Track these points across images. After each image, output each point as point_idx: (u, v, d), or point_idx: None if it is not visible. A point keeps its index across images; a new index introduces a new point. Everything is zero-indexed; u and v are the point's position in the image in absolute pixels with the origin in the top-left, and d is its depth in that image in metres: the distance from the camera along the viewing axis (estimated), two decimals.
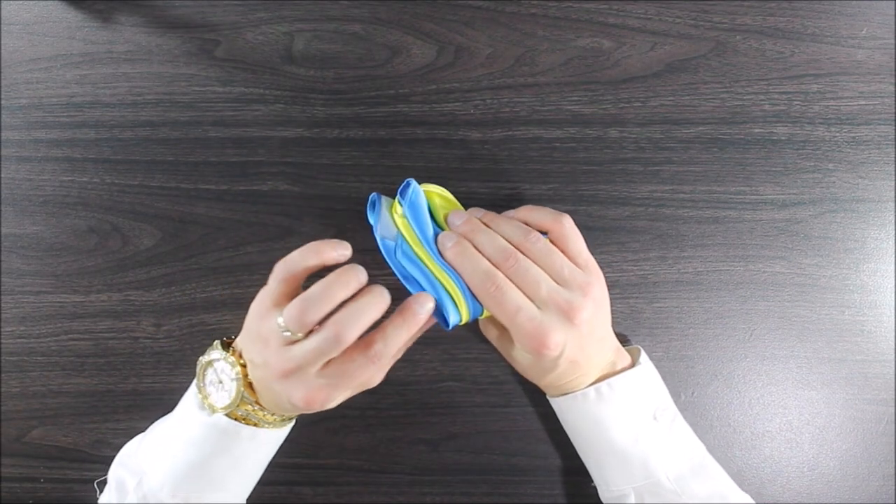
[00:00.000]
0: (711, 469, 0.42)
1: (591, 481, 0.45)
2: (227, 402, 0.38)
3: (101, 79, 0.49)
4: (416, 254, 0.40)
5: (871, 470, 0.49)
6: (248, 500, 0.44)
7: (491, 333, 0.44)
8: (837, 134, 0.49)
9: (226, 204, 0.49)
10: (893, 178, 0.49)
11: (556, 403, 0.44)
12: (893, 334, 0.49)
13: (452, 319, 0.39)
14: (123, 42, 0.49)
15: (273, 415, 0.40)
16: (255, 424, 0.40)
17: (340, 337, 0.34)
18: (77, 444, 0.49)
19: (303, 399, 0.36)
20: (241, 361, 0.38)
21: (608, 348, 0.42)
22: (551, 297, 0.38)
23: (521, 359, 0.41)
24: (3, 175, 0.49)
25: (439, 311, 0.39)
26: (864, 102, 0.49)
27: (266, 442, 0.41)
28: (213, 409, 0.39)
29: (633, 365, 0.43)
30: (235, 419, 0.39)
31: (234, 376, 0.38)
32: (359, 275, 0.36)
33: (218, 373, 0.39)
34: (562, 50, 0.49)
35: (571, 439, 0.45)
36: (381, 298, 0.36)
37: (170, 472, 0.39)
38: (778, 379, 0.49)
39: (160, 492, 0.39)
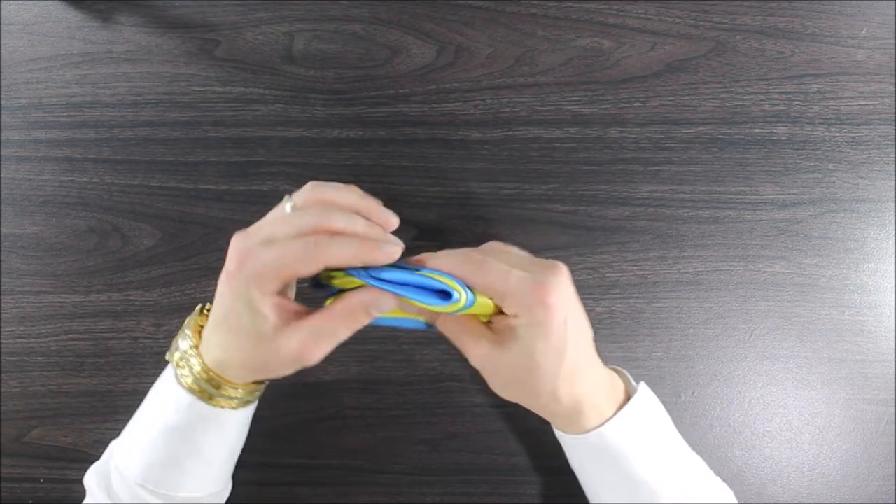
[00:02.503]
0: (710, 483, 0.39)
1: None
2: (186, 347, 0.36)
3: (101, 79, 0.49)
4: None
5: (871, 470, 0.49)
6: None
7: (481, 350, 0.37)
8: (837, 134, 0.49)
9: (226, 204, 0.49)
10: (893, 178, 0.49)
11: (566, 441, 0.40)
12: (893, 334, 0.49)
13: (455, 297, 0.34)
14: (123, 42, 0.49)
15: (234, 387, 0.37)
16: (217, 398, 0.37)
17: (317, 247, 0.32)
18: (77, 444, 0.49)
19: (254, 277, 0.32)
20: (206, 311, 0.37)
21: (599, 366, 0.38)
22: (531, 266, 0.35)
23: (522, 351, 0.35)
24: (3, 175, 0.49)
25: (435, 300, 0.35)
26: (864, 102, 0.49)
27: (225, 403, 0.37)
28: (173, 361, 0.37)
29: (625, 387, 0.39)
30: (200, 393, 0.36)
31: (188, 332, 0.37)
32: (390, 216, 0.35)
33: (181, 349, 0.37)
34: (562, 50, 0.49)
35: (575, 470, 0.42)
36: (375, 246, 0.33)
37: (131, 446, 0.39)
38: (778, 379, 0.49)
39: (123, 466, 0.38)
